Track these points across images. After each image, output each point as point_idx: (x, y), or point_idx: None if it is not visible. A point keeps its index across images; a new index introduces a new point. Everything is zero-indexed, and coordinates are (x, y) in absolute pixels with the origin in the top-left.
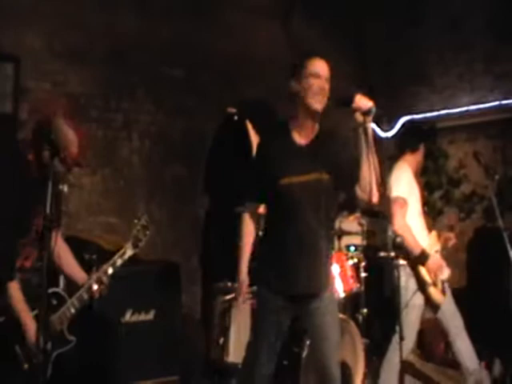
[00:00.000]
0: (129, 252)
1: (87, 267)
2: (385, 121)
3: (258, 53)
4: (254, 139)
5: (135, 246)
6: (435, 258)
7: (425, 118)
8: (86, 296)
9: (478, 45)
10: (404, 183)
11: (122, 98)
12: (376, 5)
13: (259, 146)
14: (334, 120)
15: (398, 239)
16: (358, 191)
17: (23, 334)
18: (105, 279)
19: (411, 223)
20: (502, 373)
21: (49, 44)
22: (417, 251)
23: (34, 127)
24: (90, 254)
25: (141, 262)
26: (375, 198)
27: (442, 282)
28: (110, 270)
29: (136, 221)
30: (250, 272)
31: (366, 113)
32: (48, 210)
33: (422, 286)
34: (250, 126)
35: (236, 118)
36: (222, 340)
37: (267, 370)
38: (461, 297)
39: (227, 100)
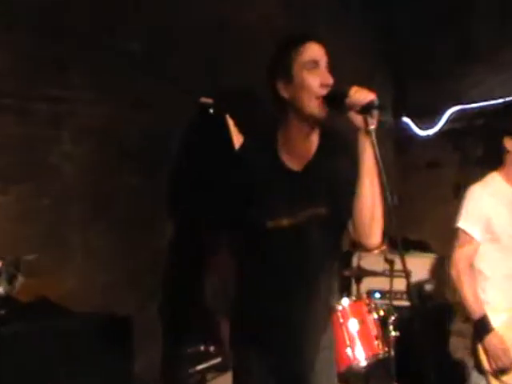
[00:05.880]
0: None
1: None
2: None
3: (243, 23)
4: (237, 139)
5: None
6: (497, 339)
7: (480, 107)
8: None
9: None
10: (469, 205)
11: (50, 80)
12: None
13: (236, 171)
14: None
15: (427, 286)
16: (351, 229)
17: None
18: None
19: (488, 270)
20: None
21: None
22: (473, 316)
23: None
24: None
25: (74, 316)
26: (375, 240)
27: None
28: None
29: None
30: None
31: (365, 109)
32: None
33: (479, 369)
34: (230, 122)
35: (212, 110)
36: None
37: None
38: None
39: (200, 87)
